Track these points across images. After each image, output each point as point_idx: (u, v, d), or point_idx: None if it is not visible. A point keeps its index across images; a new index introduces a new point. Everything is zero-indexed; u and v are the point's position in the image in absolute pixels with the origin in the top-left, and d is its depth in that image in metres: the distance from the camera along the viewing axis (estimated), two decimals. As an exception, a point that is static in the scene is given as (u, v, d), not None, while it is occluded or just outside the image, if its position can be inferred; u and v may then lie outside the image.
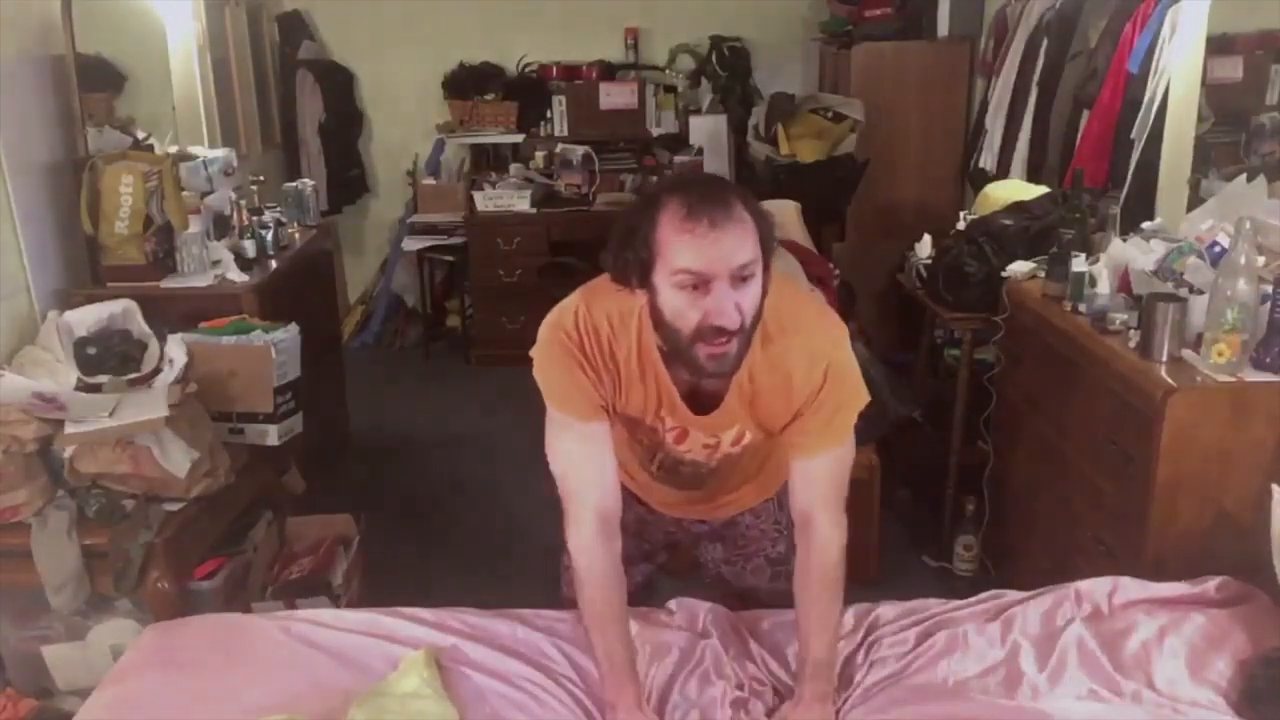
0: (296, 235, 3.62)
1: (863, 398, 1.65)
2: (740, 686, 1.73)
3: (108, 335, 2.67)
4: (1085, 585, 1.91)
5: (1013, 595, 1.93)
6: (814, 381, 1.60)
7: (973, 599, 1.92)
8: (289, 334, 2.72)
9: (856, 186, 4.42)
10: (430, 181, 5.35)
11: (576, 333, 1.61)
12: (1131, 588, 1.90)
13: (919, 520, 3.42)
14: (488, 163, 5.36)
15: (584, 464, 1.65)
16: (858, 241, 4.53)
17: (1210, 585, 1.89)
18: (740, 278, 1.45)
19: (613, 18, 5.33)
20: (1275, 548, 1.84)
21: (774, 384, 1.61)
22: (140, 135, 3.46)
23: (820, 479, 1.65)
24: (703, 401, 1.65)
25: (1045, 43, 3.61)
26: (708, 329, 1.47)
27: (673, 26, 5.35)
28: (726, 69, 5.25)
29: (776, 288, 1.57)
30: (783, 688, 1.75)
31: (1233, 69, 2.73)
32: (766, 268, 1.51)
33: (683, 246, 1.44)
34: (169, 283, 3.02)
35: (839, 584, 1.66)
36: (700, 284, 1.45)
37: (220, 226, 3.33)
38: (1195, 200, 2.68)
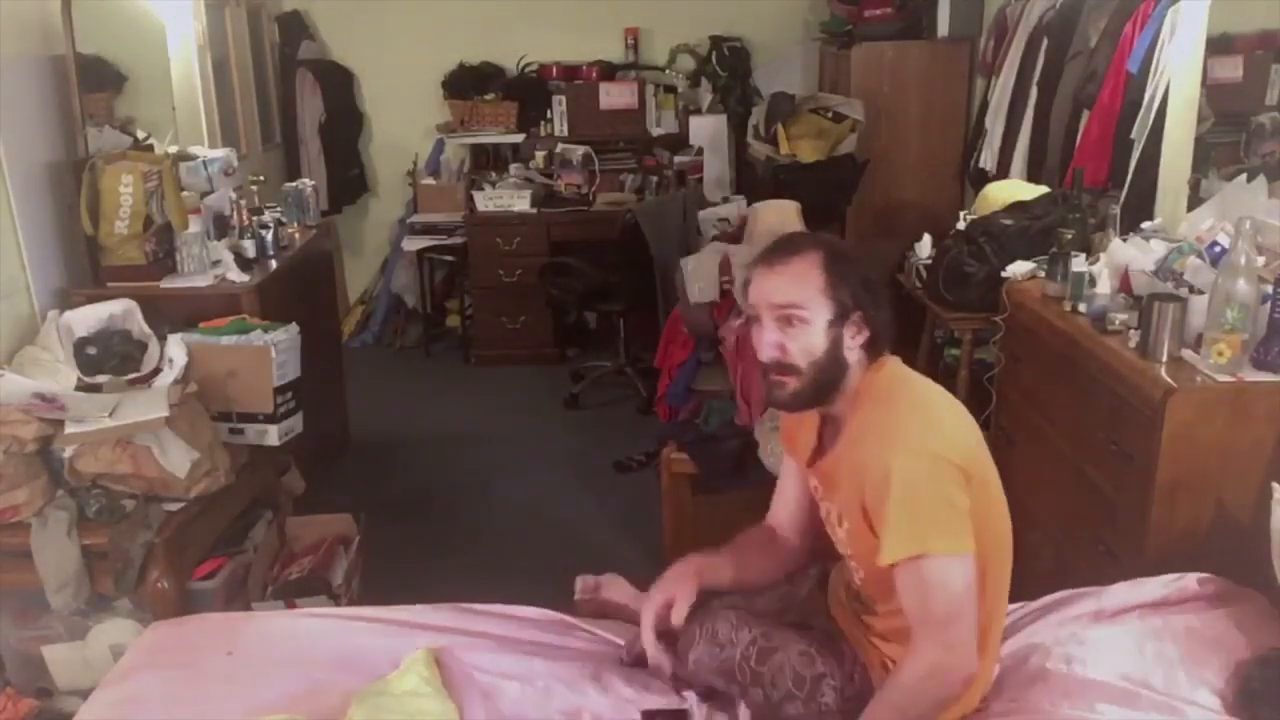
0: (296, 235, 3.62)
1: (938, 528, 1.48)
2: None
3: (108, 335, 2.67)
4: (1079, 593, 1.91)
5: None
6: (878, 482, 1.50)
7: None
8: (289, 334, 2.72)
9: (856, 186, 4.43)
10: (430, 181, 5.35)
11: None
12: (1123, 592, 1.90)
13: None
14: (488, 163, 5.37)
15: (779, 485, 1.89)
16: (858, 241, 4.53)
17: (1192, 580, 1.89)
18: (781, 317, 1.56)
19: (613, 18, 5.33)
20: (1275, 548, 1.84)
21: (852, 460, 1.58)
22: (140, 135, 3.47)
23: (904, 591, 1.52)
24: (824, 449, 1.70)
25: (1045, 43, 3.62)
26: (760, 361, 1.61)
27: (673, 26, 5.35)
28: (726, 69, 5.25)
29: (904, 382, 1.61)
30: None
31: (1233, 69, 2.73)
32: (840, 320, 1.56)
33: (749, 284, 1.62)
34: (169, 283, 3.02)
35: (903, 710, 1.52)
36: (754, 317, 1.60)
37: (220, 226, 3.33)
38: (1195, 200, 2.68)
